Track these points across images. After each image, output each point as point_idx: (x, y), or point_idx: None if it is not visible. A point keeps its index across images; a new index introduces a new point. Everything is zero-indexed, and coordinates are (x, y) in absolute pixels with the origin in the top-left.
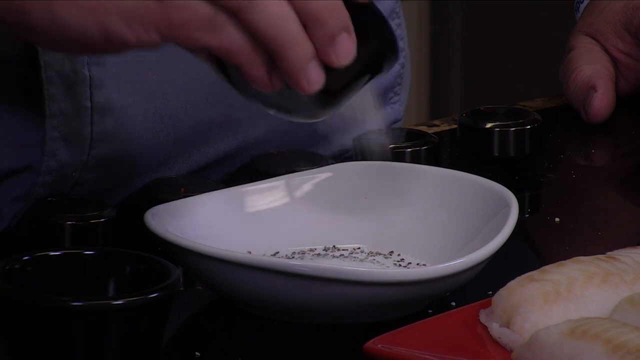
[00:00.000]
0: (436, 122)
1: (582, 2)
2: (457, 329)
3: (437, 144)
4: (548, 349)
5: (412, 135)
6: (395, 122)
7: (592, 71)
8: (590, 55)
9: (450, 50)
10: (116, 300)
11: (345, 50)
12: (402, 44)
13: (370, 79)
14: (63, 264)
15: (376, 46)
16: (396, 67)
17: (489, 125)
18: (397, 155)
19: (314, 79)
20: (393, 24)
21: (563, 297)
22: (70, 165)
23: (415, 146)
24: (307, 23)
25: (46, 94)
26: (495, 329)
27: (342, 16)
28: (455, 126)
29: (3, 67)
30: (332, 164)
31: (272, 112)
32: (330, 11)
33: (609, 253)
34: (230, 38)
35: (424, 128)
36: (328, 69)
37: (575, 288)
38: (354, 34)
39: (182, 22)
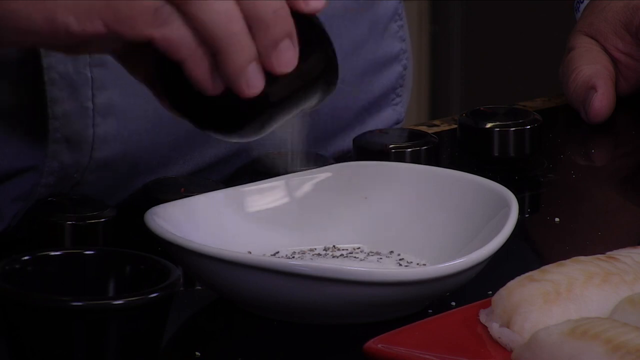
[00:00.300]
0: (436, 122)
1: (582, 2)
2: (457, 329)
3: (437, 144)
4: (548, 349)
5: (412, 135)
6: (397, 123)
7: (592, 71)
8: (590, 55)
9: (450, 50)
10: (116, 300)
11: (287, 58)
12: (404, 45)
13: (308, 98)
14: (63, 264)
15: (317, 62)
16: (398, 69)
17: (489, 125)
18: (397, 155)
19: (254, 82)
20: (395, 25)
21: (563, 297)
22: (72, 166)
23: (415, 146)
24: (253, 25)
25: (48, 96)
26: (495, 329)
27: (287, 23)
28: (455, 126)
29: (5, 69)
30: (332, 164)
31: (205, 131)
32: (276, 16)
33: (609, 253)
34: (175, 31)
35: (424, 128)
36: (268, 81)
37: (575, 288)
38: (297, 44)
39: (128, 14)
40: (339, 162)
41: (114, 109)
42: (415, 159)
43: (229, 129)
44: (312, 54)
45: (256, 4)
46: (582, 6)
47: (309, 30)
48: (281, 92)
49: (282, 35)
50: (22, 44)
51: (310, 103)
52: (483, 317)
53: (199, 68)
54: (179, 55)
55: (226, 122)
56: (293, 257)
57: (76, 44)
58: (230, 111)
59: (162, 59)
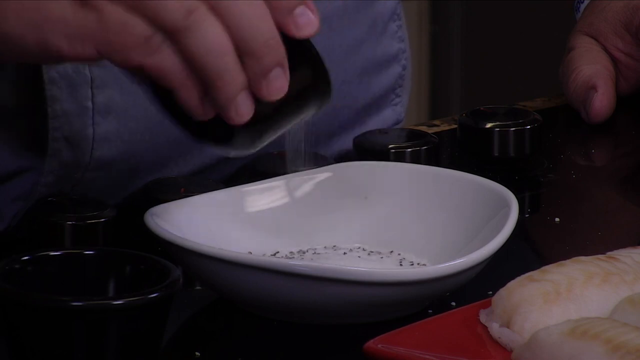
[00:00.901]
0: (436, 122)
1: (582, 2)
2: (457, 329)
3: (437, 144)
4: (548, 349)
5: (412, 135)
6: (397, 123)
7: (592, 71)
8: (591, 55)
9: (450, 50)
10: (116, 300)
11: (277, 86)
12: (403, 45)
13: (300, 115)
14: (63, 264)
15: (309, 83)
16: (398, 69)
17: (489, 125)
18: (397, 155)
19: (243, 111)
20: (394, 25)
21: (563, 297)
22: (72, 165)
23: (415, 146)
24: (243, 54)
25: (48, 95)
26: (495, 329)
27: (279, 52)
28: (455, 126)
29: (5, 68)
30: (332, 164)
31: (202, 145)
32: (267, 46)
33: (609, 253)
34: (165, 60)
35: (424, 128)
36: (259, 106)
37: (575, 288)
38: (287, 71)
39: (119, 41)
40: (339, 162)
41: (114, 108)
42: (415, 159)
43: (223, 143)
44: (303, 75)
45: (247, 35)
46: (583, 6)
47: (300, 52)
48: (273, 112)
49: (273, 64)
50: (16, 61)
51: (304, 117)
52: (483, 317)
53: (189, 95)
54: (169, 84)
55: (220, 137)
56: (293, 257)
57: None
58: (223, 128)
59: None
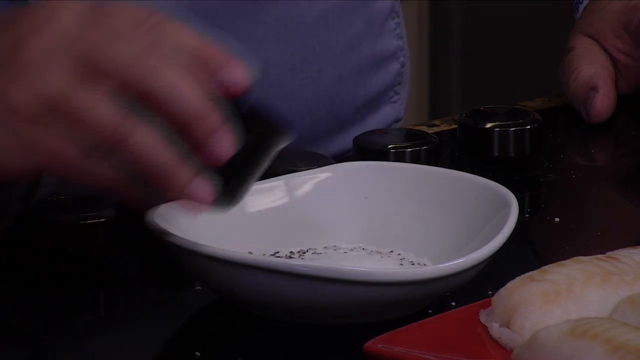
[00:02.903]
0: (436, 122)
1: (581, 3)
2: (457, 329)
3: (437, 144)
4: (548, 349)
5: (412, 135)
6: (397, 121)
7: (592, 71)
8: (590, 56)
9: (450, 50)
10: None
11: (223, 146)
12: (401, 43)
13: (267, 159)
14: None
15: (261, 130)
16: (396, 66)
17: (489, 125)
18: (397, 155)
19: (202, 195)
20: (392, 22)
21: (563, 297)
22: None
23: (415, 146)
24: (182, 128)
25: None
26: (495, 329)
27: (214, 116)
28: (455, 126)
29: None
30: (332, 164)
31: None
32: (199, 115)
33: (609, 253)
34: (105, 176)
35: (424, 128)
36: (226, 169)
37: (575, 288)
38: (229, 128)
39: (58, 166)
40: (339, 162)
41: None
42: (415, 159)
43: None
44: (251, 130)
45: (179, 109)
46: (582, 6)
47: (241, 107)
48: (237, 170)
49: (212, 127)
50: None
51: (271, 157)
52: (483, 317)
53: (136, 198)
54: (120, 196)
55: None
56: (293, 257)
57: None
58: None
59: None
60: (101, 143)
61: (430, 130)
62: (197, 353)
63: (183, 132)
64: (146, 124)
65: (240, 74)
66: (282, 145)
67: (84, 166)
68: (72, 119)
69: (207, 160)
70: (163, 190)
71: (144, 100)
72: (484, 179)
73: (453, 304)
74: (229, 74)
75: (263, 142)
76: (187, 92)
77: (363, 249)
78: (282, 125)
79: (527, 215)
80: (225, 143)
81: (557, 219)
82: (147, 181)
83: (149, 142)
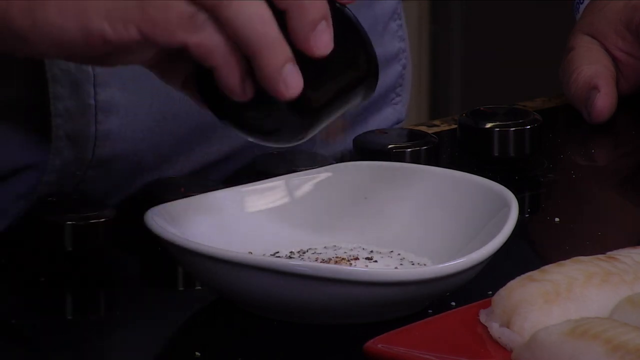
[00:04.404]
0: (436, 122)
1: (582, 2)
2: (457, 329)
3: (437, 144)
4: (548, 349)
5: (412, 135)
6: (398, 122)
7: (593, 71)
8: (591, 55)
9: (450, 50)
10: None
11: (325, 40)
12: (403, 44)
13: (347, 103)
14: None
15: (354, 55)
16: (398, 68)
17: (489, 125)
18: (397, 155)
19: (292, 82)
20: (395, 24)
21: (563, 297)
22: (74, 163)
23: (415, 146)
24: (290, 10)
25: (51, 93)
26: (495, 329)
27: (323, 4)
28: (455, 126)
29: (8, 65)
30: (332, 164)
31: (250, 138)
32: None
33: (609, 253)
34: (209, 37)
35: (424, 128)
36: (307, 83)
37: (575, 288)
38: (331, 26)
39: (162, 20)
40: (339, 162)
41: (117, 106)
42: (415, 159)
43: (272, 133)
44: (348, 47)
45: None
46: (582, 6)
47: (343, 22)
48: (321, 94)
49: (319, 17)
50: (57, 55)
51: (353, 103)
52: (483, 317)
53: (231, 74)
54: (212, 62)
55: (268, 126)
56: (293, 257)
57: (109, 53)
58: (272, 115)
59: (197, 67)
60: (209, 1)
61: (430, 130)
62: (197, 353)
63: (289, 15)
64: None
65: None
66: (369, 90)
67: (189, 27)
68: None
69: (306, 50)
70: (259, 64)
71: None
72: (484, 179)
73: (453, 304)
74: None
75: (353, 71)
76: None
77: (363, 249)
78: (376, 63)
79: (527, 215)
80: (327, 37)
81: (557, 219)
82: (247, 51)
83: (255, 7)
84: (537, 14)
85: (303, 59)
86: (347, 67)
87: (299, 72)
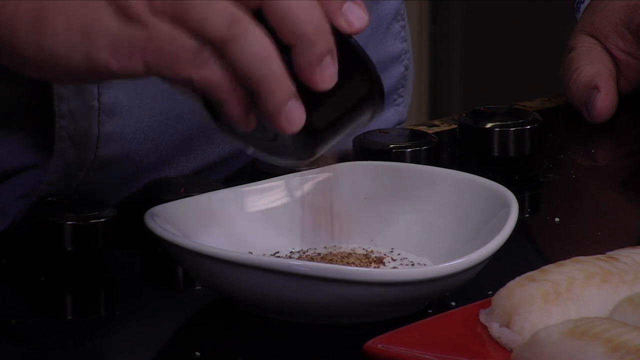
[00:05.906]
0: (436, 122)
1: (582, 2)
2: (457, 329)
3: (437, 144)
4: (548, 349)
5: (412, 135)
6: (399, 124)
7: (593, 71)
8: (592, 55)
9: (450, 50)
10: None
11: (329, 73)
12: (406, 45)
13: (354, 123)
14: None
15: (359, 83)
16: (400, 69)
17: (489, 125)
18: (397, 155)
19: (294, 118)
20: (397, 25)
21: (563, 297)
22: (76, 164)
23: (415, 146)
24: (296, 43)
25: (55, 94)
26: (495, 329)
27: (329, 39)
28: (455, 126)
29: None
30: (332, 164)
31: (259, 155)
32: (318, 31)
33: (609, 253)
34: (214, 73)
35: (424, 128)
36: (311, 108)
37: (575, 288)
38: (336, 60)
39: (168, 55)
40: (339, 162)
41: (120, 107)
42: (415, 159)
43: (277, 154)
44: (352, 75)
45: (298, 19)
46: (583, 6)
47: (347, 50)
48: (326, 119)
49: (325, 50)
50: (62, 80)
51: (360, 124)
52: (483, 317)
53: (236, 107)
54: (217, 96)
55: (273, 148)
56: (293, 257)
57: (115, 78)
58: (277, 139)
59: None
60: (215, 38)
61: (430, 130)
62: (197, 353)
63: (295, 48)
64: (257, 29)
65: (359, 14)
66: (374, 113)
67: (195, 62)
68: (188, 9)
69: (310, 84)
70: (262, 100)
71: (263, 10)
72: (484, 179)
73: (453, 304)
74: (348, 11)
75: (359, 96)
76: (307, 8)
77: (363, 249)
78: (382, 90)
79: (527, 215)
80: (332, 70)
81: (557, 219)
82: (251, 87)
83: (259, 45)
84: (537, 14)
85: (307, 88)
86: (352, 95)
87: (302, 106)
